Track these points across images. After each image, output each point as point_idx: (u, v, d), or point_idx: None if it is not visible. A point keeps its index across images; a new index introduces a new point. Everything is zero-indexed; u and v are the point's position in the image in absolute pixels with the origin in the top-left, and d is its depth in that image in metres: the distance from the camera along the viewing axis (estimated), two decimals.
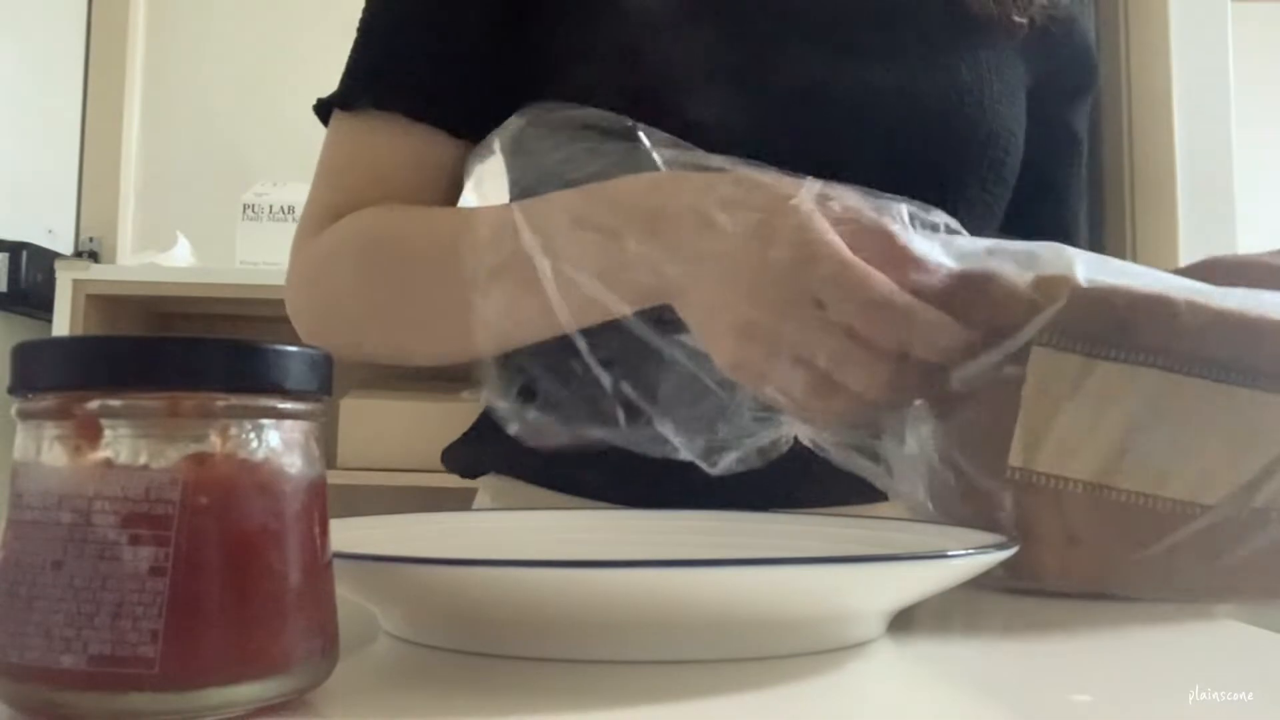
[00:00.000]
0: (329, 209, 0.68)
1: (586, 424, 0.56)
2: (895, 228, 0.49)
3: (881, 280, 0.47)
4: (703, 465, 0.54)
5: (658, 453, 0.55)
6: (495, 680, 0.33)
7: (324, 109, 0.71)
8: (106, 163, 2.48)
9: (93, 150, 2.48)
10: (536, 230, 0.55)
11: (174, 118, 2.53)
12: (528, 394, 0.60)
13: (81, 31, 2.49)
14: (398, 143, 0.67)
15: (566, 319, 0.54)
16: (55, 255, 2.17)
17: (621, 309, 0.54)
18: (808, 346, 0.49)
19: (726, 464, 0.54)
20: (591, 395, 0.56)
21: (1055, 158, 0.78)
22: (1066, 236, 0.75)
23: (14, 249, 2.09)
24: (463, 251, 0.58)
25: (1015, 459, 0.47)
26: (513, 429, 0.59)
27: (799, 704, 0.30)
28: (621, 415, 0.56)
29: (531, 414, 0.59)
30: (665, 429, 0.55)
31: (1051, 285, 0.47)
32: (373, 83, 0.68)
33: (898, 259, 0.48)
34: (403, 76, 0.68)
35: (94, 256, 2.38)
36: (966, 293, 0.48)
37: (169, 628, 0.25)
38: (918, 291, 0.48)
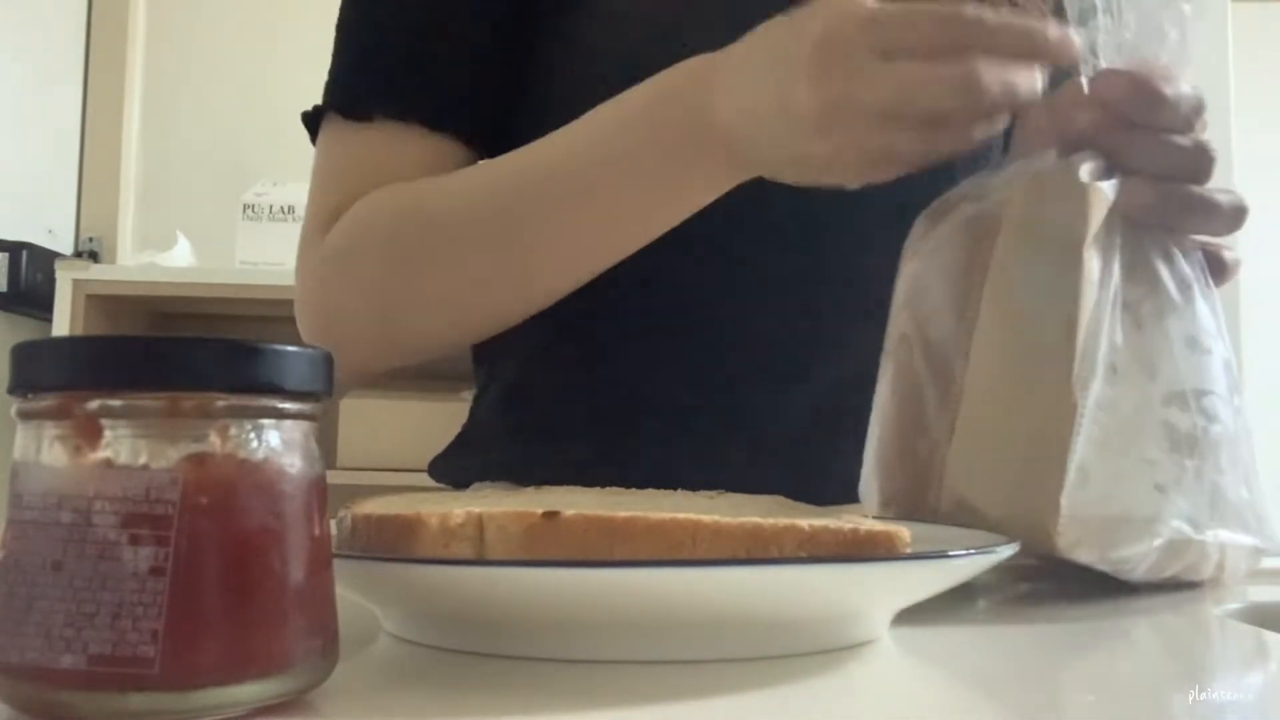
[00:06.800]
0: (335, 211, 0.66)
1: None
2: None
3: None
4: None
5: None
6: (495, 680, 0.32)
7: (316, 116, 0.69)
8: (106, 163, 2.48)
9: (93, 150, 2.49)
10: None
11: (174, 118, 2.53)
12: None
13: (81, 31, 2.49)
14: (410, 149, 0.66)
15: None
16: (55, 255, 2.17)
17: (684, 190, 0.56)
18: (892, 92, 0.47)
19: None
20: None
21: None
22: None
23: (14, 249, 2.10)
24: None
25: None
26: None
27: (799, 704, 0.30)
28: None
29: None
30: None
31: None
32: (385, 90, 0.66)
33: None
34: (419, 84, 0.66)
35: (94, 256, 2.38)
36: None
37: (169, 628, 0.25)
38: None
